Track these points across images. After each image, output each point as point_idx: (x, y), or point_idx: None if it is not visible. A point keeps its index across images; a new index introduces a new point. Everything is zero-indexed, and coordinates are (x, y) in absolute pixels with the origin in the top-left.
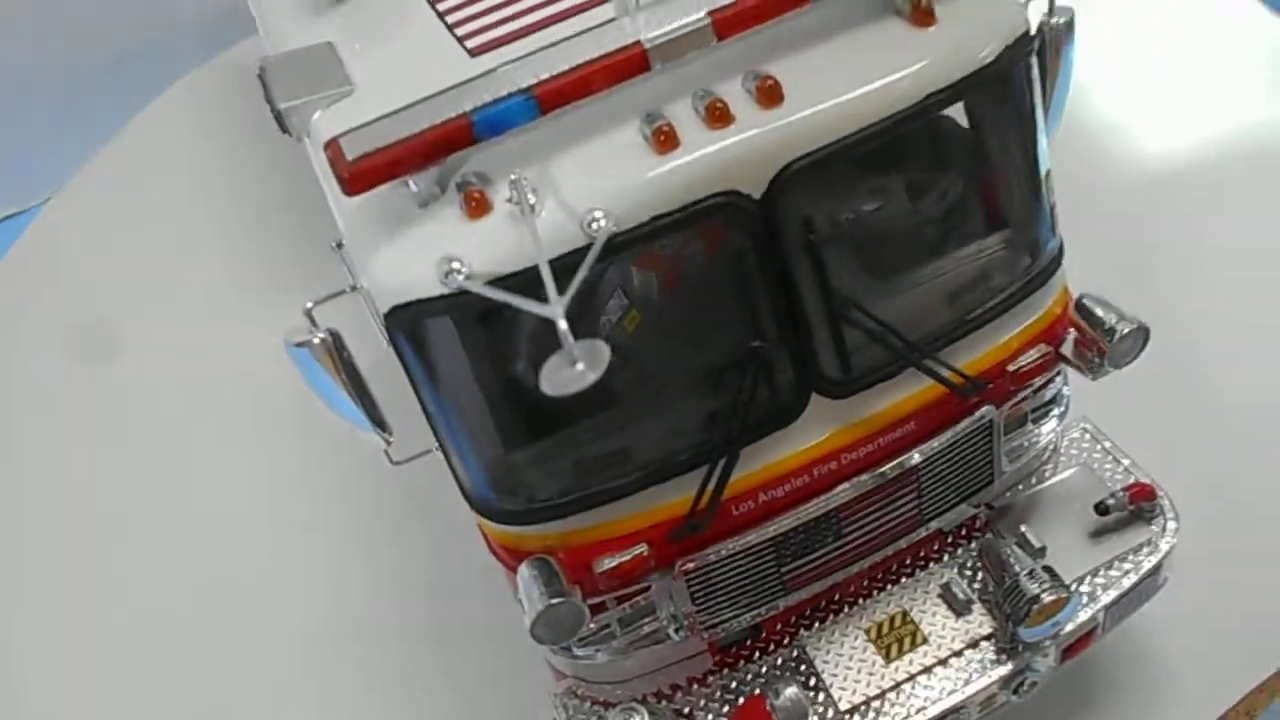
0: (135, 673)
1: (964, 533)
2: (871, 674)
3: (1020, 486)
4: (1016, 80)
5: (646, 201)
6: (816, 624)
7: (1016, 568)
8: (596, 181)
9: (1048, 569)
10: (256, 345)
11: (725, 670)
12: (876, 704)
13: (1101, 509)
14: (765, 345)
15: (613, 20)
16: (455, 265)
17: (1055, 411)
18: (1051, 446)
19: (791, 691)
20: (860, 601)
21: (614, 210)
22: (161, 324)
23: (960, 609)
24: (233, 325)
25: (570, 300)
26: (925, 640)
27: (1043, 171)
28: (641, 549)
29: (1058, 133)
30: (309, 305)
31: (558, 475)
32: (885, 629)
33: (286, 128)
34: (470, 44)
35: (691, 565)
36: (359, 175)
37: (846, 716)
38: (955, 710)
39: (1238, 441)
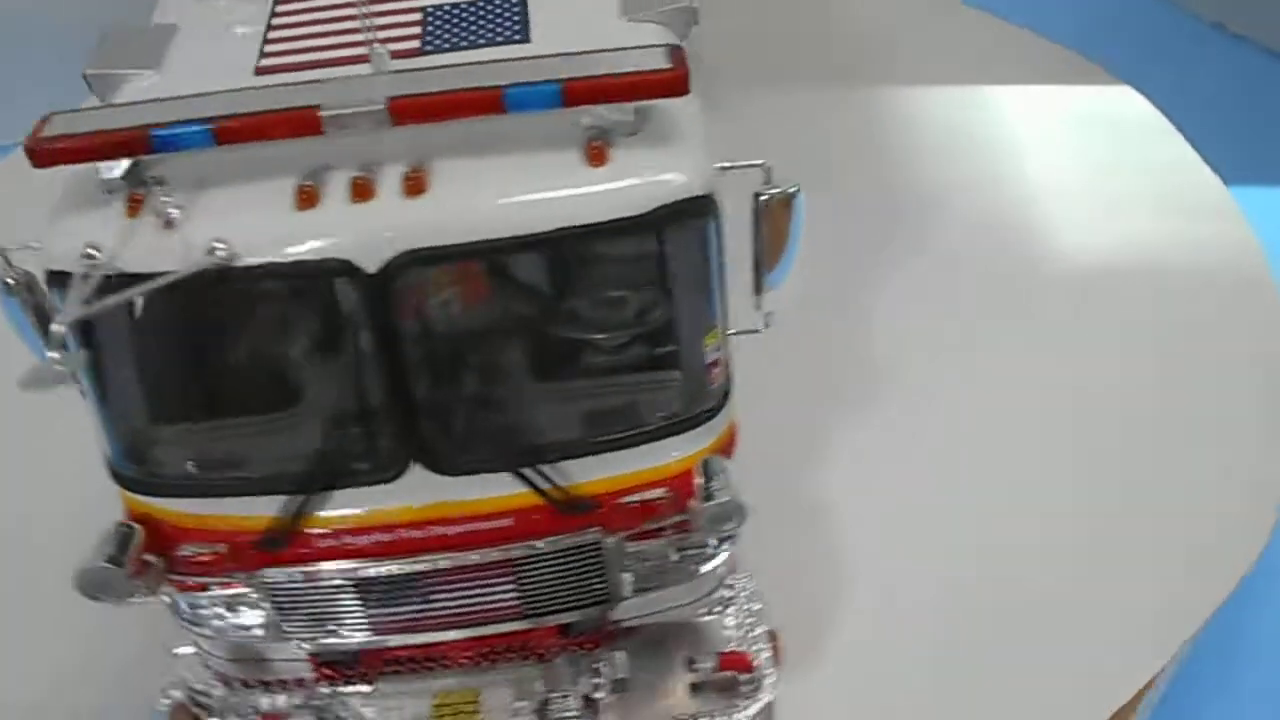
0: None
1: (581, 640)
2: None
3: (661, 616)
4: (676, 238)
5: (267, 247)
6: (409, 672)
7: (561, 689)
8: (235, 218)
9: (587, 699)
10: None
11: (324, 682)
12: None
13: (690, 666)
14: (361, 406)
15: (350, 78)
16: (92, 251)
17: (708, 554)
18: (709, 589)
19: None
20: (455, 668)
21: (237, 247)
22: None
23: (523, 709)
24: None
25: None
26: None
27: (698, 328)
28: (221, 548)
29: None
30: (3, 250)
31: (165, 457)
32: (453, 700)
33: (93, 90)
34: (264, 62)
35: (269, 577)
36: (42, 153)
37: None
38: None
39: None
